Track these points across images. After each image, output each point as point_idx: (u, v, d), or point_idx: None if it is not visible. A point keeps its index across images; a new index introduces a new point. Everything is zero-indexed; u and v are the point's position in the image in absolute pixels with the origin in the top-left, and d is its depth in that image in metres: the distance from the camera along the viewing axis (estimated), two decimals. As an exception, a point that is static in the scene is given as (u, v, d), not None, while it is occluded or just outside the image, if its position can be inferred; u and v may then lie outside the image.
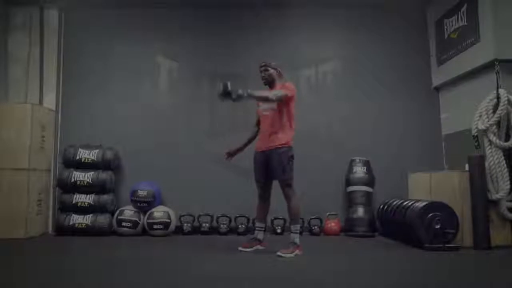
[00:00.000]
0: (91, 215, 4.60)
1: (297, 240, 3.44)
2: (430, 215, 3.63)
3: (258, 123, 3.72)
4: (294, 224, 3.50)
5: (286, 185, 3.45)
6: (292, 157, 3.47)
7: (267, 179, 3.58)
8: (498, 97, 3.83)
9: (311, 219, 4.73)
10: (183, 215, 4.75)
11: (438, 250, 3.54)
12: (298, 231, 3.48)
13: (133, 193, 4.63)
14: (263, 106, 3.60)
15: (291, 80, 5.06)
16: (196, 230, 4.73)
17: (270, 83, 3.62)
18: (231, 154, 3.81)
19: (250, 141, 3.78)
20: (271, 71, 3.58)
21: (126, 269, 3.00)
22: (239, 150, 3.80)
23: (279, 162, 3.43)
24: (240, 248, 3.60)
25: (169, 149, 5.01)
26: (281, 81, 3.61)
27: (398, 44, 5.19)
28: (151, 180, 4.76)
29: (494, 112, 3.83)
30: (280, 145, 3.46)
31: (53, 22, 5.19)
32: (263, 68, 3.58)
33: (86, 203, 4.61)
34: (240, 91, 3.17)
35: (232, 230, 4.72)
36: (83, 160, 4.71)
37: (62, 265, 3.20)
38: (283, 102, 3.46)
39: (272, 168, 3.47)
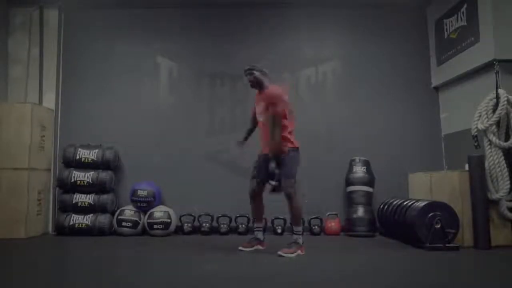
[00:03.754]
0: (91, 215, 4.60)
1: (299, 241, 3.45)
2: (431, 214, 3.63)
3: (253, 119, 3.79)
4: (296, 225, 3.50)
5: (289, 186, 3.45)
6: (296, 157, 3.48)
7: (265, 179, 3.56)
8: (497, 97, 3.84)
9: (311, 219, 4.73)
10: (183, 215, 4.75)
11: (438, 249, 3.54)
12: (300, 232, 3.48)
13: (133, 193, 4.63)
14: (258, 110, 3.60)
15: (291, 80, 5.16)
16: (196, 230, 4.73)
17: (257, 86, 3.60)
18: (241, 143, 3.87)
19: (250, 132, 3.86)
20: (256, 73, 3.55)
21: (126, 269, 3.00)
22: (245, 139, 3.89)
23: (288, 161, 3.44)
24: (240, 248, 3.60)
25: (169, 149, 5.01)
26: (267, 81, 3.57)
27: (398, 44, 5.19)
28: (151, 180, 4.76)
29: (493, 112, 3.84)
30: (286, 142, 3.46)
31: (53, 22, 5.19)
32: (248, 72, 3.56)
33: (86, 203, 4.61)
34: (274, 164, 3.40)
35: (232, 230, 4.72)
36: (83, 160, 4.71)
37: (62, 265, 3.21)
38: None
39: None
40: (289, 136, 3.49)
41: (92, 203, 4.62)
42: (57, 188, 4.83)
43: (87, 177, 4.65)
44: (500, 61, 3.96)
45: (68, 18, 5.21)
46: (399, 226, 4.05)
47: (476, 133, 3.93)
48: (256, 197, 3.65)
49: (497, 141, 3.82)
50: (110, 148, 4.84)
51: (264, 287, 2.52)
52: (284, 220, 4.66)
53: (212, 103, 5.17)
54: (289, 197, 3.44)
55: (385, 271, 2.96)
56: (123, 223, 4.58)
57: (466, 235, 3.74)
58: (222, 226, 4.72)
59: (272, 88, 3.54)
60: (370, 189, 4.73)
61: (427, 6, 5.20)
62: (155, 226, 4.54)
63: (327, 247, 4.06)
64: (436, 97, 5.16)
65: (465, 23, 4.43)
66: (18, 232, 4.36)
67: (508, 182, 3.77)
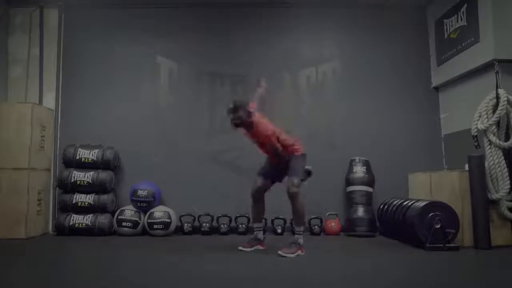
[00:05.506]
0: (91, 215, 4.60)
1: (300, 241, 3.45)
2: (431, 214, 3.63)
3: None
4: (298, 225, 3.51)
5: (294, 186, 3.44)
6: (302, 161, 3.53)
7: (272, 179, 3.62)
8: (497, 97, 3.84)
9: (311, 219, 4.72)
10: (183, 215, 4.75)
11: (438, 250, 3.54)
12: (301, 232, 3.49)
13: (133, 193, 4.63)
14: (253, 141, 3.60)
15: (291, 80, 5.16)
16: (196, 230, 4.73)
17: (242, 126, 3.41)
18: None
19: None
20: (240, 113, 3.34)
21: (126, 269, 3.00)
22: None
23: (294, 163, 3.48)
24: (240, 248, 3.60)
25: (169, 149, 5.01)
26: (253, 118, 3.38)
27: (398, 44, 5.19)
28: (151, 180, 4.76)
29: (493, 112, 3.84)
30: (292, 152, 3.51)
31: (53, 22, 5.19)
32: (230, 111, 3.36)
33: (86, 203, 4.61)
34: None
35: (232, 230, 4.71)
36: (83, 160, 4.71)
37: (62, 265, 3.20)
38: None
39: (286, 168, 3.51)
40: (294, 146, 3.52)
41: (92, 203, 4.61)
42: (57, 188, 4.83)
43: (87, 177, 4.65)
44: (500, 61, 3.96)
45: (68, 18, 5.21)
46: (399, 226, 4.05)
47: (476, 133, 3.92)
48: (258, 197, 3.65)
49: (497, 141, 3.81)
50: (110, 148, 4.84)
51: (264, 287, 2.52)
52: (284, 220, 4.66)
53: (212, 103, 5.16)
54: (292, 198, 3.45)
55: (385, 271, 2.96)
56: (123, 223, 4.58)
57: (466, 235, 3.74)
58: (222, 226, 4.71)
59: (258, 126, 3.40)
60: (370, 189, 4.73)
61: (427, 6, 5.20)
62: (155, 226, 4.54)
63: (327, 247, 4.06)
64: (436, 97, 5.15)
65: (465, 23, 4.43)
66: (18, 232, 4.35)
67: (508, 182, 3.77)
